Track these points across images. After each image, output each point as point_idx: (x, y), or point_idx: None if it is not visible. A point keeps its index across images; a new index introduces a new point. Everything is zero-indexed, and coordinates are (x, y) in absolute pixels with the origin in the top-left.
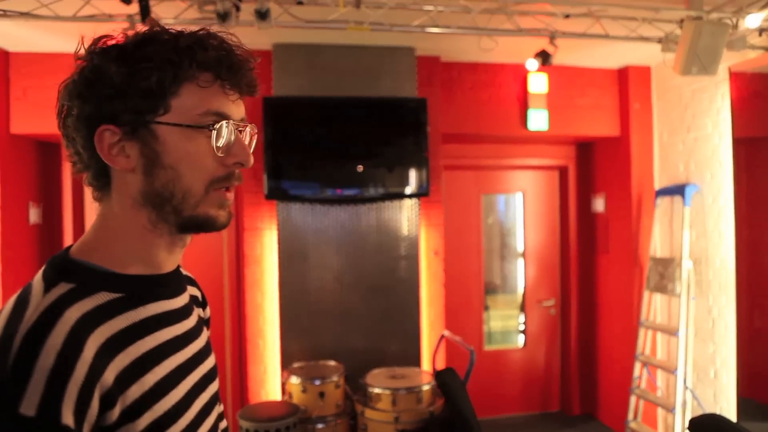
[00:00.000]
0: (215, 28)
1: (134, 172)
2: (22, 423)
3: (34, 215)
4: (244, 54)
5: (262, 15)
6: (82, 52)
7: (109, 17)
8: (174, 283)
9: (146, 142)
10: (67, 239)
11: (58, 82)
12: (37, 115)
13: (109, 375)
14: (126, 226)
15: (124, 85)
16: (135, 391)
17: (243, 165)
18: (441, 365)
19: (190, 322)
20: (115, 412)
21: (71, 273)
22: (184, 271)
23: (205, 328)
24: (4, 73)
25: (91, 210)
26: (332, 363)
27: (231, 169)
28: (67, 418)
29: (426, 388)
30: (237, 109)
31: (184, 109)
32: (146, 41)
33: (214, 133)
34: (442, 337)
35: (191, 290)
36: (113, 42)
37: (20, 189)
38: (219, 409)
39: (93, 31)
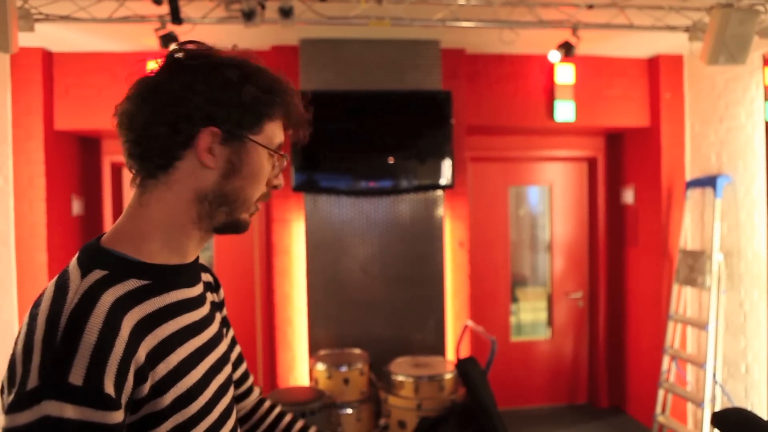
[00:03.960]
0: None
1: (212, 170)
2: (71, 390)
3: (76, 207)
4: (304, 103)
5: (286, 13)
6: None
7: (142, 18)
8: (192, 273)
9: (237, 151)
10: (108, 229)
11: (97, 79)
12: (79, 112)
13: (142, 353)
14: (174, 216)
15: (243, 99)
16: (162, 368)
17: (277, 187)
18: (465, 355)
19: (204, 310)
20: (146, 387)
21: (104, 261)
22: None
23: (218, 314)
24: (48, 73)
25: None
26: (357, 351)
27: (269, 188)
28: (109, 387)
29: (448, 376)
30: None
31: (269, 135)
32: (261, 70)
33: (283, 160)
34: (466, 327)
35: (204, 276)
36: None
37: (64, 182)
38: (233, 391)
39: (127, 31)
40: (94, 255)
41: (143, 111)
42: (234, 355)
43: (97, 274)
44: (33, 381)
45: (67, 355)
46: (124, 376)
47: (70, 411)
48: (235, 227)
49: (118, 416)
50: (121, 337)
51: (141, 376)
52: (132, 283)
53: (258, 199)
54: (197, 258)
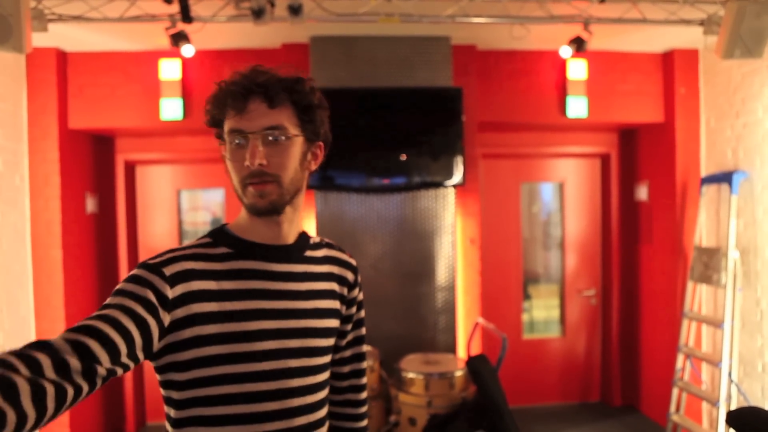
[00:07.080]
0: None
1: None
2: (145, 265)
3: (90, 204)
4: (249, 82)
5: (295, 10)
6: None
7: (153, 17)
8: (283, 254)
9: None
10: (121, 227)
11: (110, 78)
12: (92, 111)
13: (177, 289)
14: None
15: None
16: (180, 312)
17: (248, 167)
18: (476, 352)
19: (296, 286)
20: (167, 313)
21: (215, 233)
22: (343, 257)
23: (331, 301)
24: (63, 72)
25: (142, 199)
26: (368, 348)
27: (248, 169)
28: (160, 272)
29: (458, 374)
30: (252, 122)
31: (226, 129)
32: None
33: (229, 145)
34: (477, 324)
35: (342, 271)
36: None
37: (78, 180)
38: (317, 361)
39: (139, 30)
40: (214, 229)
41: None
42: (349, 337)
43: (202, 240)
44: (142, 261)
45: (153, 258)
46: (168, 280)
47: (140, 272)
48: (248, 210)
49: (160, 285)
50: (179, 265)
51: (169, 303)
52: (220, 249)
53: (246, 181)
54: (300, 244)
